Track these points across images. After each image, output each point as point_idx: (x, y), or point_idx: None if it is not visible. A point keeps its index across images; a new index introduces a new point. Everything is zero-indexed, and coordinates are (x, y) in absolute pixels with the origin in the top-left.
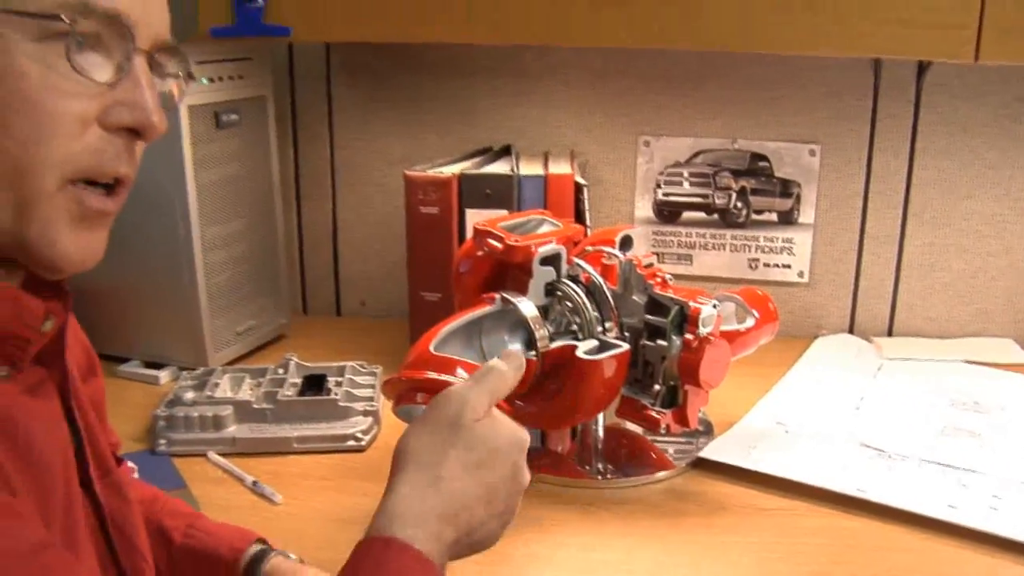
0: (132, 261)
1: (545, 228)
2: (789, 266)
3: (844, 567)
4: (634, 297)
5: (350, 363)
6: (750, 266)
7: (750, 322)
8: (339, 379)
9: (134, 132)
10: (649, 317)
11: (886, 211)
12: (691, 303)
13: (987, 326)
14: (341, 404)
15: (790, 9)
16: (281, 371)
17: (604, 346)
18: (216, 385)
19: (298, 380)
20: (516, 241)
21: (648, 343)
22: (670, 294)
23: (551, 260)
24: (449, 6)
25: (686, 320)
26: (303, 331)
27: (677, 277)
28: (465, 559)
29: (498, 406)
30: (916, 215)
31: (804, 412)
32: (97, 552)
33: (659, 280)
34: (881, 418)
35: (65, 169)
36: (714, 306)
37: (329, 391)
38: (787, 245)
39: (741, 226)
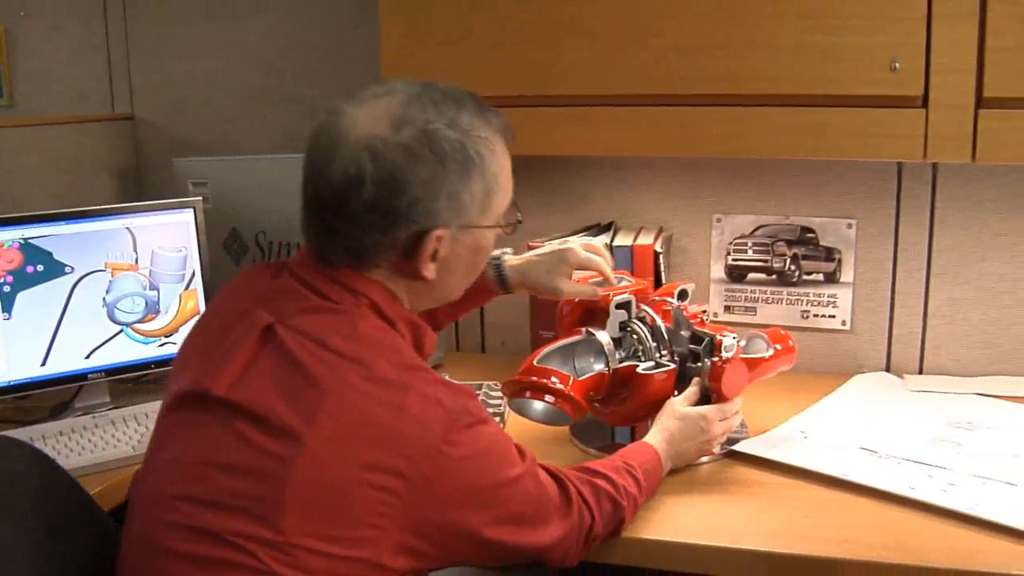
0: None
1: (624, 283)
2: (834, 316)
3: (811, 519)
4: (682, 332)
5: (487, 382)
6: (802, 316)
7: (769, 352)
8: (478, 392)
9: None
10: (692, 346)
11: (912, 272)
12: (718, 336)
13: (1005, 367)
14: None
15: (822, 129)
16: None
17: (658, 366)
18: None
19: None
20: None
21: (691, 365)
22: (705, 330)
23: (624, 305)
24: (571, 133)
25: (714, 348)
26: (456, 362)
27: (744, 326)
28: None
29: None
30: (938, 275)
31: (824, 425)
32: None
33: (699, 320)
34: (885, 430)
35: None
36: (734, 338)
37: None
38: (832, 299)
39: (794, 284)
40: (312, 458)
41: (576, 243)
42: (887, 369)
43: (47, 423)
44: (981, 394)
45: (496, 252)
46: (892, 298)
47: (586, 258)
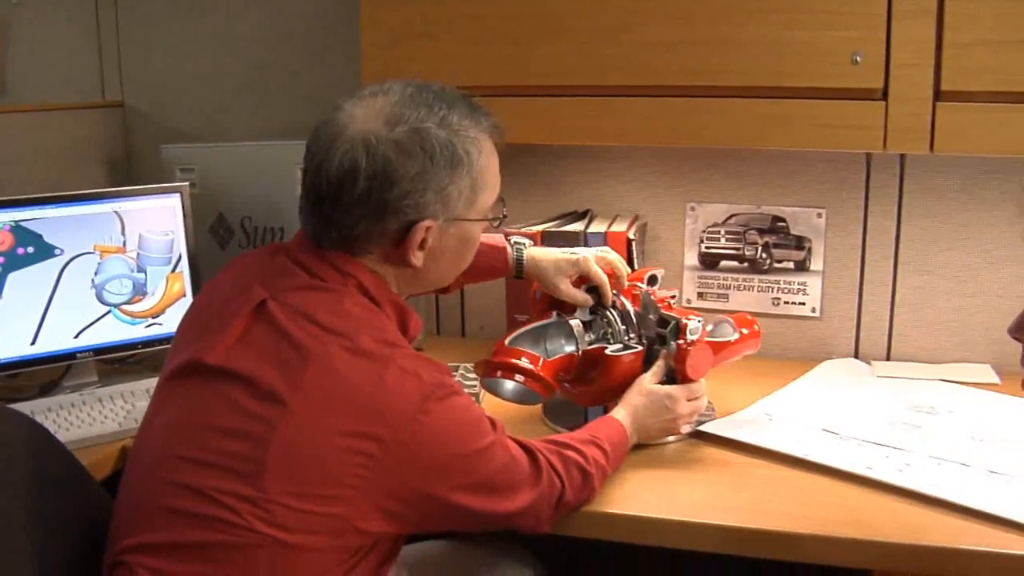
0: None
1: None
2: (804, 304)
3: (772, 497)
4: (650, 316)
5: (464, 364)
6: (773, 303)
7: (735, 336)
8: (454, 373)
9: None
10: (659, 329)
11: (880, 261)
12: (683, 319)
13: (969, 354)
14: None
15: (788, 120)
16: None
17: (627, 348)
18: None
19: None
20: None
21: (659, 348)
22: (672, 313)
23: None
24: (547, 123)
25: (680, 331)
26: (436, 346)
27: (716, 312)
28: None
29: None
30: (905, 264)
31: (789, 407)
32: None
33: (666, 304)
34: (848, 414)
35: None
36: (699, 322)
37: None
38: (802, 287)
39: (765, 272)
40: (295, 421)
41: (591, 254)
42: (855, 355)
43: (36, 400)
44: (945, 380)
45: (523, 240)
46: (860, 286)
47: (595, 272)
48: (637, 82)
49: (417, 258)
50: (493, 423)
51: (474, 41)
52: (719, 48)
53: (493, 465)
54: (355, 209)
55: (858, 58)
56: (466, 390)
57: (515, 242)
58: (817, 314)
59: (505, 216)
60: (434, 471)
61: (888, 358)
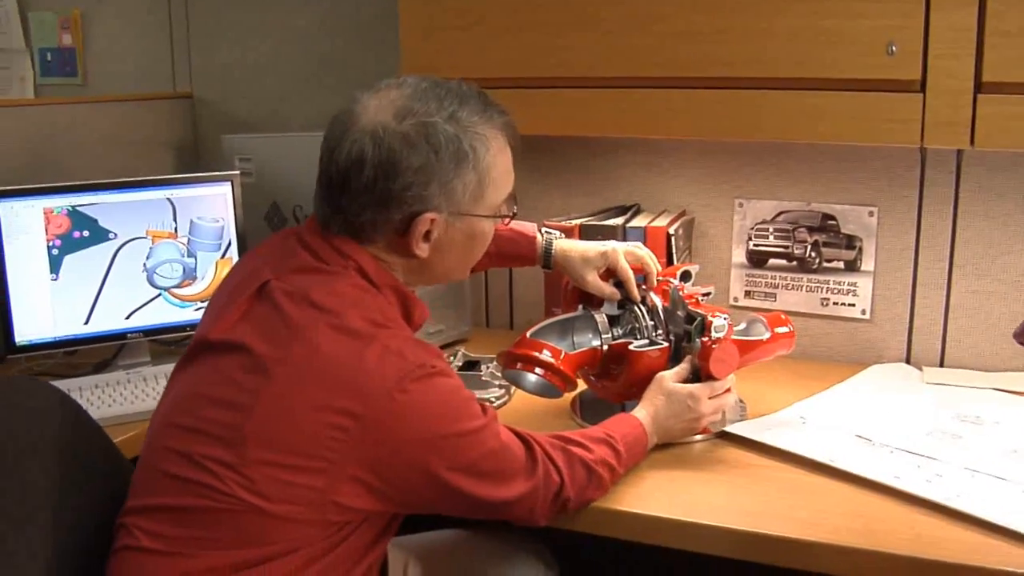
0: None
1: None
2: (854, 305)
3: (787, 501)
4: (678, 312)
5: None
6: (822, 304)
7: (766, 335)
8: (489, 365)
9: None
10: (687, 326)
11: (934, 263)
12: (709, 316)
13: None
14: (484, 379)
15: (821, 113)
16: (451, 357)
17: (652, 344)
18: None
19: (461, 363)
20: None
21: (686, 345)
22: (698, 310)
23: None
24: (600, 117)
25: (705, 328)
26: (482, 337)
27: (763, 311)
28: None
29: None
30: (960, 267)
31: (825, 411)
32: None
33: (695, 301)
34: (886, 420)
35: None
36: (725, 319)
37: (480, 370)
38: (852, 288)
39: (815, 271)
40: (276, 392)
41: (622, 248)
42: (907, 360)
43: (87, 377)
44: (998, 389)
45: (554, 231)
46: (913, 289)
47: (621, 266)
48: (668, 73)
49: (422, 249)
50: (484, 408)
51: (509, 32)
52: (750, 38)
53: (480, 449)
54: (361, 197)
55: (894, 48)
56: (497, 382)
57: (546, 232)
58: (867, 316)
59: (514, 215)
60: (411, 449)
61: (941, 364)
